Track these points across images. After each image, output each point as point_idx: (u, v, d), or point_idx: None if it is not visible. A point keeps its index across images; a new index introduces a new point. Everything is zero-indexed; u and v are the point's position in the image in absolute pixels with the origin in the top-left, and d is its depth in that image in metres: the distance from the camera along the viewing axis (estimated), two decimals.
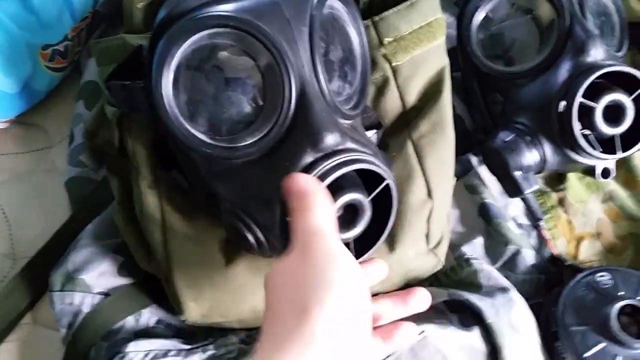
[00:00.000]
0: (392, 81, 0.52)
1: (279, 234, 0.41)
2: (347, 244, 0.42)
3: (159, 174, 0.49)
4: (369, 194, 0.42)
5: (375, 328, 0.38)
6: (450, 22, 0.64)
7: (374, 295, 0.50)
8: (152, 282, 0.54)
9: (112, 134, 0.51)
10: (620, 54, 0.59)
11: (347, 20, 0.46)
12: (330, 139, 0.39)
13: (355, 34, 0.46)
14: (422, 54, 0.53)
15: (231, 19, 0.39)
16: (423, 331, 0.48)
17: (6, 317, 0.55)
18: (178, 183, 0.48)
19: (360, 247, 0.43)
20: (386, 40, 0.51)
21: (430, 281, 0.56)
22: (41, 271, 0.55)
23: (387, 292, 0.52)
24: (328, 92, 0.41)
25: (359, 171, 0.41)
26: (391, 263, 0.49)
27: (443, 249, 0.53)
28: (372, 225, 0.43)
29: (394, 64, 0.52)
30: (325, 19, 0.44)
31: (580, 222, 0.59)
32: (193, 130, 0.41)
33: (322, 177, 0.39)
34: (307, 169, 0.39)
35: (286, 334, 0.31)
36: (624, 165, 0.61)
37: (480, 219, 0.59)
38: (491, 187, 0.60)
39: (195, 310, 0.49)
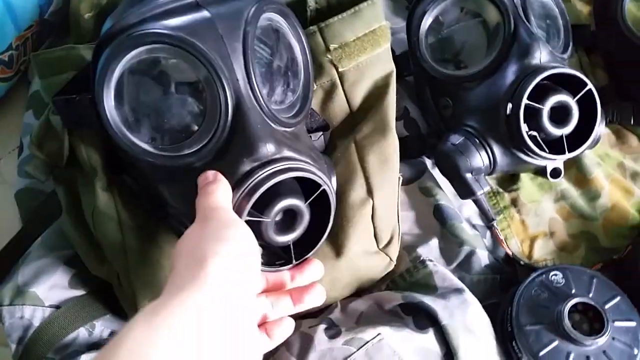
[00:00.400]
0: (339, 86, 0.53)
1: None
2: (287, 247, 0.45)
3: (111, 177, 0.49)
4: (308, 200, 0.43)
5: (261, 325, 0.43)
6: (402, 27, 0.64)
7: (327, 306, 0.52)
8: (104, 293, 0.53)
9: (61, 144, 0.50)
10: (565, 55, 0.61)
11: (287, 31, 0.47)
12: (266, 149, 0.41)
13: (296, 43, 0.48)
14: (366, 60, 0.54)
15: (166, 36, 0.41)
16: (379, 334, 0.48)
17: None
18: (129, 186, 0.49)
19: (303, 251, 0.46)
20: (332, 46, 0.52)
21: (386, 284, 0.56)
22: None
23: (341, 296, 0.53)
24: (265, 103, 0.43)
25: (299, 178, 0.42)
26: (339, 264, 0.51)
27: (394, 249, 0.54)
28: (315, 229, 0.45)
29: (340, 69, 0.53)
30: (263, 32, 0.46)
31: (534, 222, 0.60)
32: (137, 141, 0.43)
33: (257, 185, 0.41)
34: (244, 177, 0.41)
35: (185, 281, 0.34)
36: (574, 164, 0.63)
37: (435, 220, 0.59)
38: (445, 190, 0.61)
39: None
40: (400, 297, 0.52)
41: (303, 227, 0.44)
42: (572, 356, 0.49)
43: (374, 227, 0.52)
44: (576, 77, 0.55)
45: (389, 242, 0.54)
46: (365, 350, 0.47)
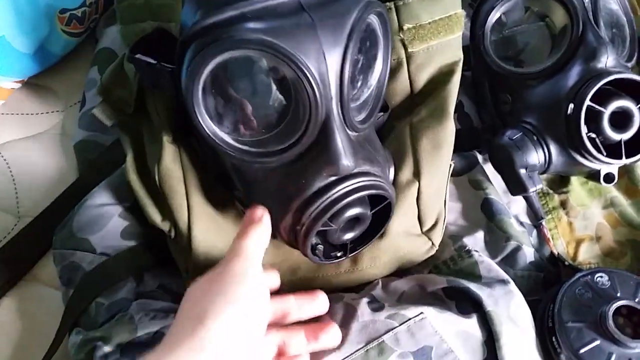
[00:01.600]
0: (404, 66, 0.53)
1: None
2: (344, 244, 0.48)
3: (178, 135, 0.50)
4: (372, 205, 0.46)
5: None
6: (464, 23, 0.65)
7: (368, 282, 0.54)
8: (154, 247, 0.54)
9: (131, 91, 0.51)
10: (629, 64, 0.61)
11: (377, 28, 0.46)
12: (345, 165, 0.41)
13: (382, 39, 0.46)
14: (437, 44, 0.54)
15: (267, 43, 0.38)
16: (422, 312, 0.48)
17: (7, 273, 0.56)
18: (195, 149, 0.50)
19: (356, 245, 0.49)
20: (406, 26, 0.52)
21: (429, 269, 0.56)
22: (45, 230, 0.56)
23: (381, 274, 0.54)
24: (351, 118, 0.43)
25: None
26: (380, 242, 0.52)
27: (438, 234, 0.54)
28: (371, 227, 0.48)
29: (409, 50, 0.53)
30: (360, 39, 0.43)
31: (581, 225, 0.60)
32: (219, 132, 0.42)
33: (334, 202, 0.42)
34: (322, 191, 0.42)
35: (183, 336, 0.35)
36: (626, 174, 0.63)
37: (482, 214, 0.60)
38: (495, 184, 0.61)
39: (202, 265, 0.49)
40: (445, 280, 0.52)
41: (362, 229, 0.47)
42: (614, 356, 0.49)
43: (419, 210, 0.53)
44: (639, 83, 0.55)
45: (433, 227, 0.54)
46: (408, 326, 0.48)
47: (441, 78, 0.55)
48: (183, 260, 0.51)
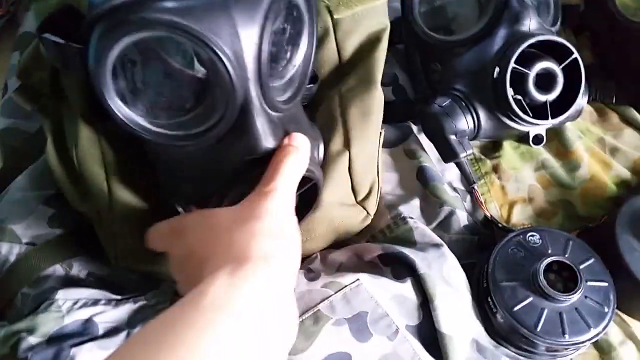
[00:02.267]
0: (331, 34, 0.53)
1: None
2: None
3: (95, 116, 0.48)
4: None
5: None
6: None
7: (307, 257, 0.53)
8: (82, 234, 0.53)
9: (46, 73, 0.49)
10: (554, 28, 0.62)
11: (304, 11, 0.44)
12: (266, 147, 0.41)
13: (306, 14, 0.45)
14: (362, 11, 0.53)
15: (177, 25, 0.37)
16: (357, 279, 0.48)
17: None
18: (113, 131, 0.48)
19: None
20: None
21: (366, 239, 0.57)
22: None
23: (317, 248, 0.54)
24: (271, 99, 0.41)
25: None
26: (314, 214, 0.51)
27: (372, 203, 0.54)
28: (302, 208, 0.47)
29: (335, 17, 0.52)
30: (281, 17, 0.43)
31: (513, 188, 0.61)
32: (133, 115, 0.41)
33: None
34: (241, 172, 0.41)
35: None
36: (556, 137, 0.64)
37: (418, 182, 0.60)
38: (429, 153, 0.62)
39: (129, 252, 0.48)
40: (380, 247, 0.52)
41: None
42: (545, 312, 0.50)
43: (351, 180, 0.53)
44: (563, 45, 0.56)
45: (367, 196, 0.54)
46: (343, 293, 0.48)
47: (368, 46, 0.54)
48: (110, 246, 0.50)
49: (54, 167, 0.50)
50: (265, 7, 0.39)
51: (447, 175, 0.62)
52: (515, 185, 0.61)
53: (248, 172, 0.42)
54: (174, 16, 0.37)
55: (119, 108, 0.40)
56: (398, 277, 0.51)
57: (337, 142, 0.52)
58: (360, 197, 0.54)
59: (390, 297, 0.49)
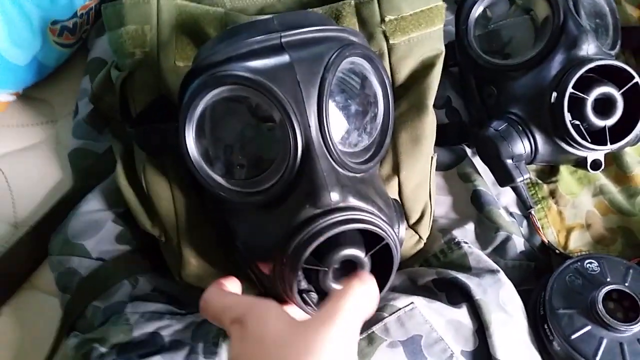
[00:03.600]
0: (386, 58, 0.54)
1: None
2: None
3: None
4: (371, 249, 0.42)
5: None
6: (450, 20, 0.66)
7: None
8: (149, 251, 0.55)
9: (116, 98, 0.52)
10: (613, 52, 0.61)
11: (371, 75, 0.47)
12: (330, 197, 0.40)
13: (379, 87, 0.47)
14: (418, 36, 0.54)
15: (246, 79, 0.41)
16: (412, 302, 0.49)
17: (6, 282, 0.57)
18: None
19: None
20: (387, 17, 0.53)
21: (419, 263, 0.57)
22: (41, 238, 0.56)
23: None
24: (335, 150, 0.42)
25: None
26: None
27: (424, 227, 0.55)
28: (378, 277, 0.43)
29: (391, 42, 0.54)
30: (345, 75, 0.46)
31: (571, 214, 0.61)
32: (212, 174, 0.44)
33: (316, 234, 0.40)
34: (304, 224, 0.41)
35: None
36: (615, 162, 0.63)
37: (472, 206, 0.60)
38: (484, 176, 0.62)
39: (193, 270, 0.51)
40: (435, 272, 0.53)
41: None
42: (605, 341, 0.49)
43: (402, 204, 0.54)
44: (623, 69, 0.55)
45: (419, 220, 0.55)
46: (397, 316, 0.48)
47: (422, 71, 0.55)
48: (175, 264, 0.52)
49: (123, 188, 0.53)
50: (325, 64, 0.42)
51: (503, 200, 0.62)
52: (573, 211, 0.61)
53: (310, 222, 0.41)
54: (244, 72, 0.41)
55: (201, 167, 0.44)
56: (453, 302, 0.51)
57: (386, 167, 0.53)
58: (412, 221, 0.55)
59: (445, 322, 0.49)
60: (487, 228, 0.58)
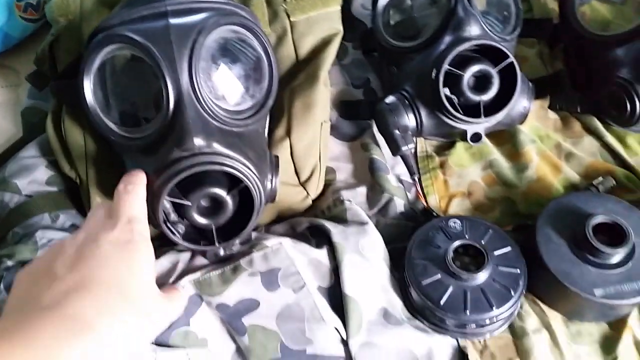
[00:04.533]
0: (289, 34, 0.62)
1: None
2: (210, 230, 0.51)
3: None
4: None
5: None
6: None
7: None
8: (73, 195, 0.63)
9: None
10: (509, 37, 0.66)
11: (254, 43, 0.55)
12: (195, 141, 0.48)
13: (263, 54, 0.55)
14: (317, 16, 0.62)
15: (129, 38, 0.50)
16: (280, 243, 0.55)
17: None
18: None
19: (231, 231, 0.52)
20: None
21: (309, 218, 0.63)
22: None
23: (263, 222, 0.61)
24: (204, 101, 0.49)
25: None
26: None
27: (313, 185, 0.62)
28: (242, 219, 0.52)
29: (292, 19, 0.61)
30: (227, 41, 0.54)
31: (455, 183, 0.66)
32: (105, 120, 0.53)
33: (177, 172, 0.48)
34: (170, 164, 0.48)
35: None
36: (510, 140, 0.68)
37: (369, 173, 0.66)
38: (383, 148, 0.68)
39: None
40: (308, 220, 0.59)
41: (226, 215, 0.51)
42: (450, 288, 0.54)
43: (294, 163, 0.60)
44: (499, 49, 0.60)
45: (309, 179, 0.61)
46: (264, 253, 0.54)
47: (322, 47, 0.63)
48: (86, 203, 0.60)
49: (50, 135, 0.62)
50: (198, 28, 0.50)
51: (398, 169, 0.67)
52: (458, 180, 0.66)
53: (176, 162, 0.48)
54: (130, 33, 0.50)
55: (97, 114, 0.53)
56: (319, 246, 0.57)
57: (280, 130, 0.60)
58: (302, 179, 0.61)
59: (307, 260, 0.55)
60: (376, 191, 0.64)
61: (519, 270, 0.56)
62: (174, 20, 0.50)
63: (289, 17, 0.62)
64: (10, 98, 0.75)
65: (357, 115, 0.71)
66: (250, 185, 0.50)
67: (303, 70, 0.62)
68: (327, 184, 0.66)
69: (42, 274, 0.39)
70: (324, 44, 0.63)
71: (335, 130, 0.69)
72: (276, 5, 0.62)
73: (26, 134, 0.70)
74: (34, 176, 0.64)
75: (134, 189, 0.47)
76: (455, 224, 0.59)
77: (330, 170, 0.67)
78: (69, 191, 0.64)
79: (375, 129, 0.69)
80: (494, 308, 0.53)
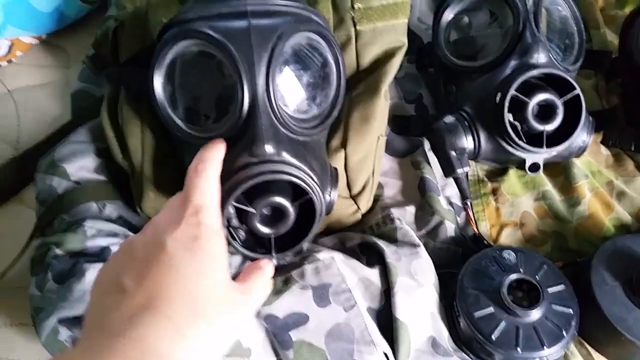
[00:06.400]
0: (353, 43, 0.60)
1: None
2: (268, 239, 0.50)
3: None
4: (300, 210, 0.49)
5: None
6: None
7: None
8: (122, 185, 0.62)
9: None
10: (572, 67, 0.65)
11: (326, 51, 0.53)
12: (265, 149, 0.47)
13: (333, 64, 0.53)
14: (383, 27, 0.61)
15: (209, 36, 0.48)
16: (332, 257, 0.54)
17: None
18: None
19: (288, 241, 0.51)
20: (357, 5, 0.60)
21: (360, 234, 0.62)
22: (34, 160, 0.64)
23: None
24: (277, 108, 0.48)
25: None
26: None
27: (364, 200, 0.60)
28: (302, 230, 0.50)
29: (358, 28, 0.60)
30: (300, 48, 0.52)
31: (507, 211, 0.65)
32: (173, 116, 0.52)
33: (246, 179, 0.46)
34: (240, 169, 0.47)
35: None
36: (563, 173, 0.67)
37: (418, 192, 0.65)
38: (435, 168, 0.66)
39: (151, 203, 0.57)
40: (359, 237, 0.58)
41: (287, 225, 0.49)
42: (502, 323, 0.53)
43: (347, 175, 0.59)
44: (566, 80, 0.59)
45: (360, 192, 0.60)
46: (316, 266, 0.54)
47: (384, 59, 0.61)
48: (137, 196, 0.59)
49: (104, 122, 0.61)
50: (278, 33, 0.48)
51: (448, 191, 0.66)
52: (510, 209, 0.65)
53: (245, 167, 0.47)
54: (208, 30, 0.48)
55: (165, 109, 0.51)
56: (370, 264, 0.56)
57: (336, 140, 0.59)
58: (354, 192, 0.60)
59: (358, 278, 0.54)
60: (425, 212, 0.63)
61: (572, 311, 0.55)
62: (254, 21, 0.49)
63: (355, 25, 0.60)
64: (59, 78, 0.74)
65: (408, 131, 0.70)
66: (315, 197, 0.49)
67: (363, 80, 0.61)
68: (375, 199, 0.64)
69: (112, 285, 0.37)
70: (387, 56, 0.61)
71: (385, 145, 0.68)
72: (343, 11, 0.60)
73: (75, 117, 0.69)
74: (83, 162, 0.62)
75: (205, 168, 0.43)
76: (510, 255, 0.58)
77: (378, 185, 0.66)
78: (117, 181, 0.63)
79: (426, 147, 0.68)
80: (545, 347, 0.52)
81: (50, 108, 0.72)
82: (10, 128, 0.70)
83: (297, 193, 0.49)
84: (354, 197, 0.61)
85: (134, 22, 0.59)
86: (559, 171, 0.67)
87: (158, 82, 0.51)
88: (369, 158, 0.60)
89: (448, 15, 0.67)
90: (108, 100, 0.62)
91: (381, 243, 0.56)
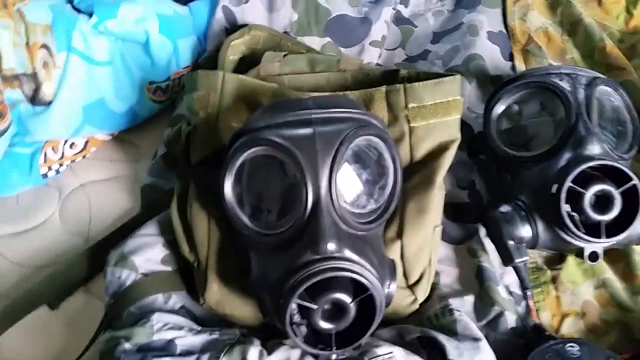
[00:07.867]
0: (407, 138, 0.63)
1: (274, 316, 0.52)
2: (328, 335, 0.51)
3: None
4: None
5: None
6: None
7: None
8: (186, 275, 0.65)
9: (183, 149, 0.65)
10: (626, 155, 0.66)
11: (384, 151, 0.56)
12: (327, 247, 0.49)
13: (390, 163, 0.56)
14: (436, 123, 0.63)
15: (277, 143, 0.52)
16: (391, 352, 0.55)
17: (67, 284, 0.69)
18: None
19: (346, 342, 0.52)
20: (411, 105, 0.63)
21: (414, 324, 0.62)
22: (103, 252, 0.68)
23: None
24: (338, 207, 0.52)
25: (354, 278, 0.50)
26: None
27: (421, 289, 0.61)
28: (362, 326, 0.52)
29: (411, 125, 0.63)
30: (361, 148, 0.56)
31: (568, 301, 0.64)
32: (240, 214, 0.55)
33: (310, 276, 0.49)
34: (302, 267, 0.50)
35: None
36: (624, 259, 0.66)
37: (476, 280, 0.65)
38: (491, 255, 0.67)
39: (214, 295, 0.60)
40: (419, 330, 0.58)
41: (347, 321, 0.51)
42: None
43: (403, 266, 0.61)
44: (622, 171, 0.60)
45: (417, 282, 0.61)
46: None
47: (437, 152, 0.64)
48: (201, 287, 0.62)
49: (173, 217, 0.65)
50: (341, 139, 0.52)
51: (507, 279, 0.66)
52: (571, 298, 0.64)
53: (308, 265, 0.49)
54: (275, 137, 0.52)
55: (233, 208, 0.55)
56: (431, 359, 0.56)
57: (391, 231, 0.61)
58: (410, 282, 0.61)
59: None
60: (484, 302, 0.63)
61: None
62: (318, 129, 0.52)
63: (409, 122, 0.63)
64: (130, 172, 0.79)
65: (462, 218, 0.71)
66: (375, 293, 0.50)
67: (417, 172, 0.63)
68: (432, 287, 0.65)
69: None
70: (441, 149, 0.64)
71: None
72: (398, 110, 0.63)
73: (144, 209, 0.74)
74: (151, 254, 0.66)
75: None
76: (573, 348, 0.57)
77: (434, 273, 0.66)
78: (181, 271, 0.66)
79: (482, 234, 0.69)
80: None
81: (120, 201, 0.77)
82: (82, 220, 0.75)
83: (358, 289, 0.51)
84: (411, 287, 0.61)
85: (206, 127, 0.63)
86: (619, 258, 0.66)
87: (228, 185, 0.55)
88: (425, 249, 0.61)
89: (499, 107, 0.69)
90: (178, 196, 0.66)
91: (441, 337, 0.56)
